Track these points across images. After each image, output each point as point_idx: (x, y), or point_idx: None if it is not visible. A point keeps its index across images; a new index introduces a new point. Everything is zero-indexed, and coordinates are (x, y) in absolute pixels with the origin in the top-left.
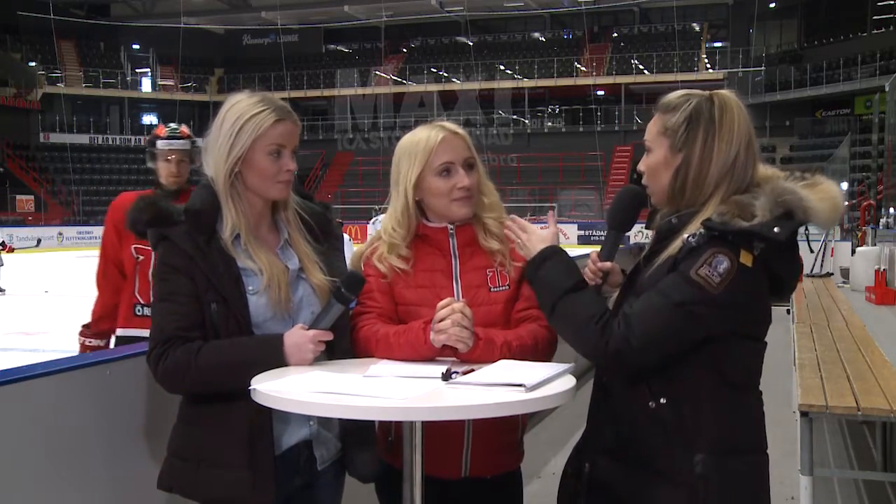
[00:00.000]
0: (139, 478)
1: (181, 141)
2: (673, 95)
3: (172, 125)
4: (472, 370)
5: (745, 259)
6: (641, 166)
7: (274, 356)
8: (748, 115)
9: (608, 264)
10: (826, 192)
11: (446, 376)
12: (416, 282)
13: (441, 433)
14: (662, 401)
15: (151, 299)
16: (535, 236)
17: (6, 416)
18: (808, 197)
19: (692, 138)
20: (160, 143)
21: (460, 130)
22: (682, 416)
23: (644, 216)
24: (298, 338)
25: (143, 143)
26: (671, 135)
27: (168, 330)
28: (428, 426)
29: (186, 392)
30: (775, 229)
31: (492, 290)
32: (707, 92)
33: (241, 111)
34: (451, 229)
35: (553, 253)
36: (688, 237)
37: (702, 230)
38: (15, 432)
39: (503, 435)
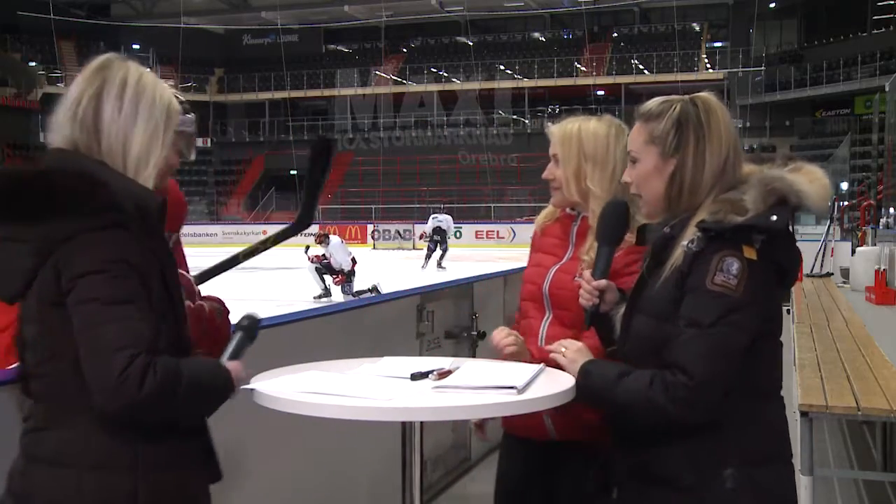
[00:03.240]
0: None
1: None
2: (652, 103)
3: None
4: (449, 371)
5: (749, 254)
6: (628, 178)
7: (228, 386)
8: (730, 116)
9: (603, 282)
10: (813, 175)
11: (416, 377)
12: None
13: None
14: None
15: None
16: (576, 354)
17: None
18: (798, 180)
19: (683, 143)
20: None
21: (556, 129)
22: (708, 429)
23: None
24: (236, 371)
25: None
26: (660, 142)
27: (148, 336)
28: None
29: (168, 418)
30: (772, 217)
31: (575, 279)
32: (686, 96)
33: (164, 91)
34: (577, 217)
35: (585, 372)
36: (687, 244)
37: (699, 234)
38: None
39: None
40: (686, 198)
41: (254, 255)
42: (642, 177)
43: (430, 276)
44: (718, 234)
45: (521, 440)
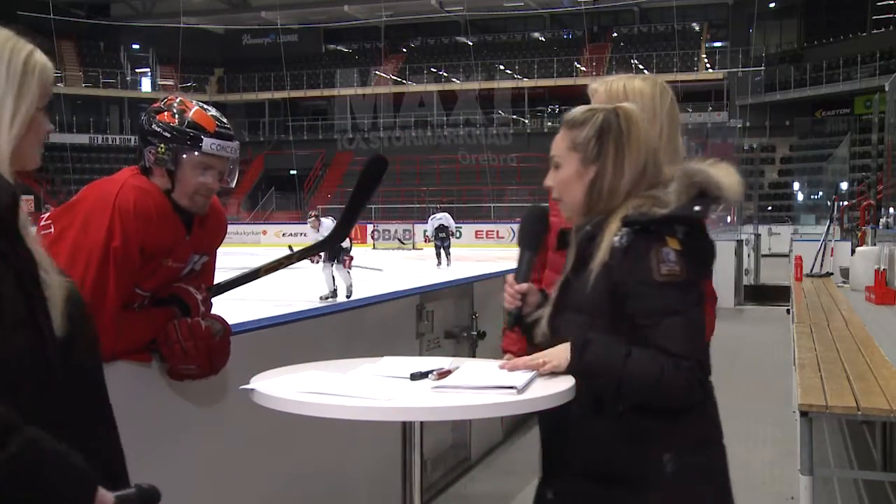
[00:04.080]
0: None
1: (236, 143)
2: (577, 111)
3: (208, 107)
4: (449, 371)
5: (674, 245)
6: (550, 182)
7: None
8: (648, 126)
9: (525, 286)
10: (728, 170)
11: (416, 377)
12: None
13: None
14: (621, 407)
15: None
16: (549, 354)
17: None
18: (717, 174)
19: (604, 151)
20: (210, 143)
21: (601, 87)
22: (646, 418)
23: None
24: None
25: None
26: (582, 149)
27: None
28: None
29: None
30: (696, 208)
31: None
32: (609, 105)
33: (23, 48)
34: None
35: (584, 342)
36: (616, 239)
37: (624, 229)
38: None
39: None
40: (605, 202)
41: (277, 270)
42: (564, 182)
43: (430, 275)
44: (644, 227)
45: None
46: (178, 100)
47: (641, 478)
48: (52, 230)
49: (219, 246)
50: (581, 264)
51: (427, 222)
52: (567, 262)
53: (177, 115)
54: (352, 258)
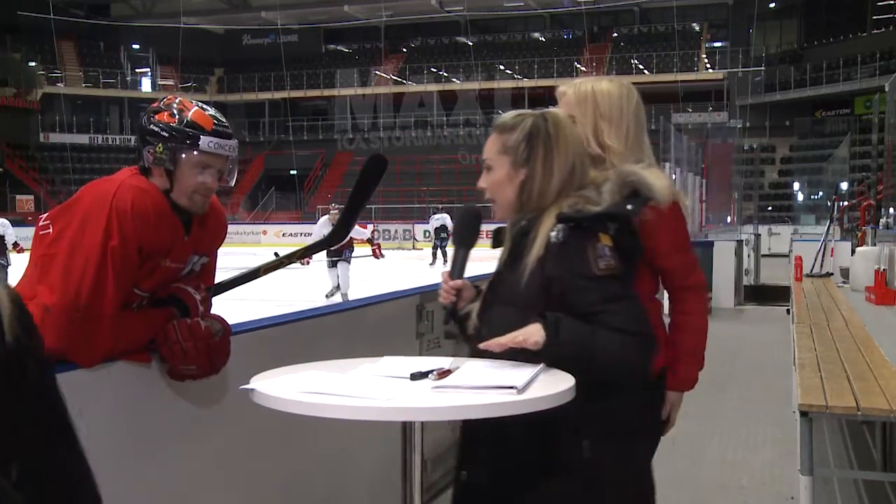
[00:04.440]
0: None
1: (234, 142)
2: (507, 116)
3: (207, 106)
4: (449, 371)
5: (606, 241)
6: (483, 183)
7: None
8: (577, 130)
9: (460, 282)
10: (658, 173)
11: (416, 376)
12: None
13: None
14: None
15: None
16: (526, 332)
17: None
18: (649, 175)
19: (533, 155)
20: (207, 142)
21: (571, 90)
22: (567, 404)
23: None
24: None
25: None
26: (512, 152)
27: None
28: None
29: None
30: (628, 206)
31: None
32: (538, 111)
33: None
34: None
35: (556, 320)
36: (553, 235)
37: (560, 226)
38: None
39: None
40: (535, 202)
41: (277, 269)
42: (496, 184)
43: (431, 275)
44: (578, 223)
45: None
46: (177, 100)
47: (561, 463)
48: (51, 230)
49: (219, 247)
50: (515, 259)
51: (427, 222)
52: (500, 258)
53: (175, 115)
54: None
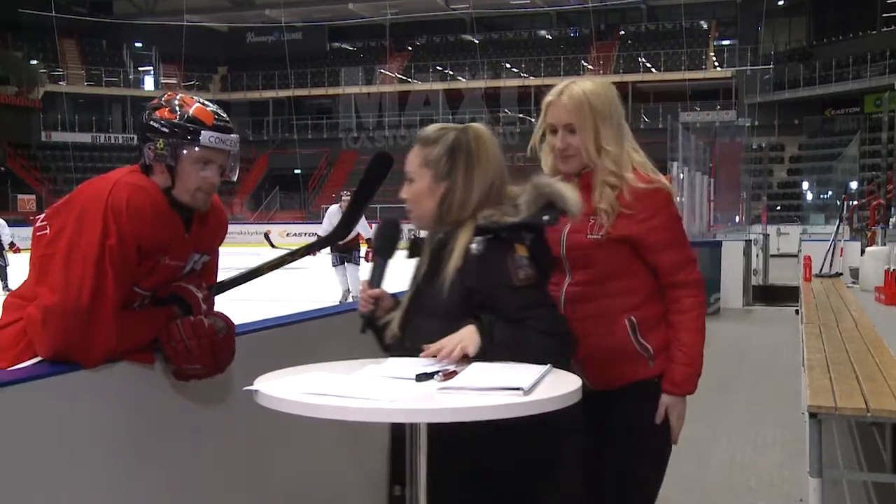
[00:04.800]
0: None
1: (235, 136)
2: (430, 129)
3: (210, 104)
4: (455, 372)
5: (522, 252)
6: (404, 195)
7: None
8: (499, 145)
9: (378, 291)
10: (569, 186)
11: (422, 378)
12: None
13: None
14: None
15: None
16: (456, 337)
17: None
18: (563, 188)
19: (454, 169)
20: (208, 136)
21: (564, 96)
22: None
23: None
24: None
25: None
26: (433, 166)
27: None
28: None
29: None
30: (545, 217)
31: (588, 236)
32: (461, 125)
33: None
34: (575, 178)
35: (490, 324)
36: (473, 247)
37: (479, 238)
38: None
39: (605, 351)
40: (455, 215)
41: (279, 267)
42: (416, 195)
43: None
44: (496, 235)
45: None
46: (178, 96)
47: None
48: (48, 231)
49: (220, 245)
50: (434, 271)
51: None
52: (419, 270)
53: (176, 111)
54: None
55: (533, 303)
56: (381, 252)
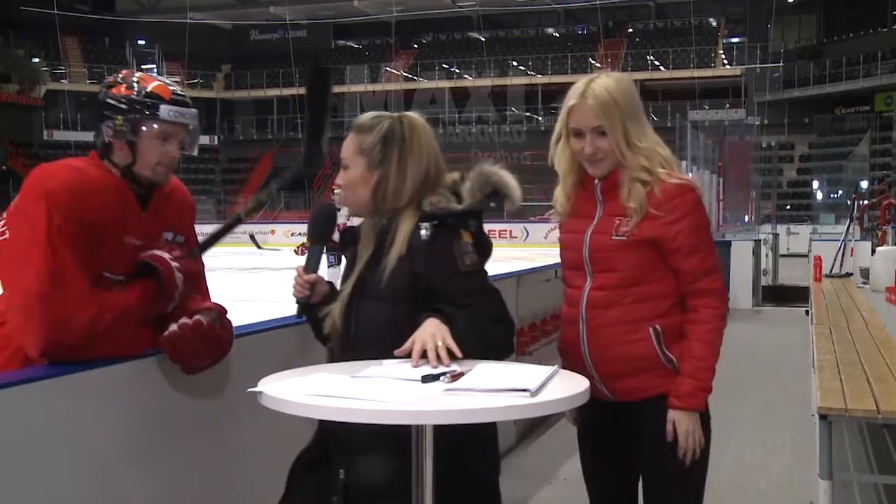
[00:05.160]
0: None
1: (194, 110)
2: (365, 117)
3: (166, 79)
4: (462, 374)
5: (467, 238)
6: (339, 181)
7: None
8: (433, 133)
9: (314, 276)
10: (510, 175)
11: (427, 379)
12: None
13: (570, 361)
14: None
15: None
16: (428, 334)
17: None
18: (507, 176)
19: (388, 157)
20: (167, 110)
21: (589, 98)
22: None
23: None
24: None
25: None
26: (367, 154)
27: None
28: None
29: None
30: (491, 204)
31: (613, 237)
32: (396, 114)
33: None
34: (597, 181)
35: (451, 314)
36: (421, 233)
37: (426, 224)
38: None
39: (628, 362)
40: (390, 202)
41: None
42: (350, 183)
43: None
44: (442, 221)
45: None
46: (135, 74)
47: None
48: (8, 235)
49: (192, 224)
50: (378, 257)
51: None
52: (361, 256)
53: (133, 87)
54: None
55: (478, 288)
56: (317, 238)
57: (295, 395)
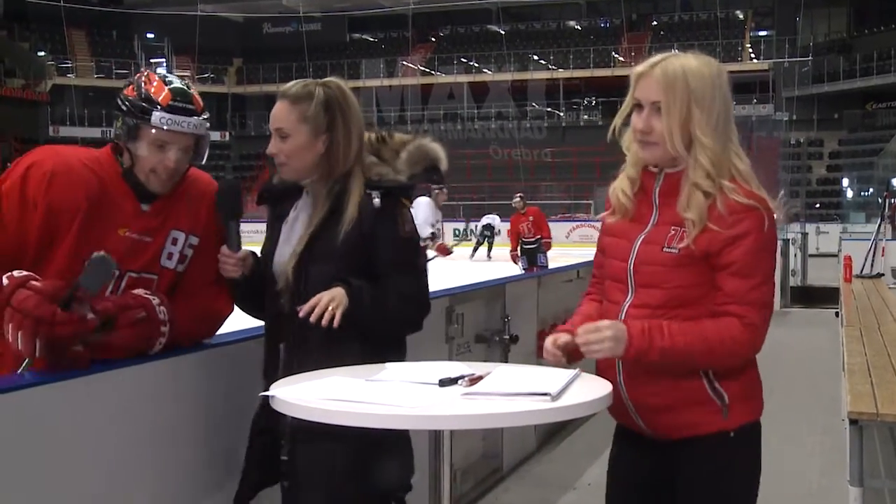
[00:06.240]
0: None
1: (196, 119)
2: (297, 84)
3: (176, 81)
4: (480, 377)
5: (407, 207)
6: (275, 150)
7: None
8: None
9: (244, 251)
10: (441, 148)
11: (445, 383)
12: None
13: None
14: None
15: None
16: (327, 295)
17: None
18: (440, 150)
19: (334, 123)
20: (159, 118)
21: (658, 69)
22: None
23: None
24: None
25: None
26: (311, 121)
27: None
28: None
29: None
30: (434, 177)
31: (664, 249)
32: (318, 80)
33: None
34: (660, 175)
35: (359, 288)
36: (374, 200)
37: (377, 191)
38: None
39: (668, 394)
40: (342, 165)
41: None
42: (294, 151)
43: (460, 276)
44: (388, 191)
45: (628, 430)
46: (146, 73)
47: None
48: None
49: (210, 225)
50: (332, 220)
51: (457, 220)
52: (313, 219)
53: (137, 89)
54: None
55: (405, 261)
56: (231, 214)
57: (308, 400)
